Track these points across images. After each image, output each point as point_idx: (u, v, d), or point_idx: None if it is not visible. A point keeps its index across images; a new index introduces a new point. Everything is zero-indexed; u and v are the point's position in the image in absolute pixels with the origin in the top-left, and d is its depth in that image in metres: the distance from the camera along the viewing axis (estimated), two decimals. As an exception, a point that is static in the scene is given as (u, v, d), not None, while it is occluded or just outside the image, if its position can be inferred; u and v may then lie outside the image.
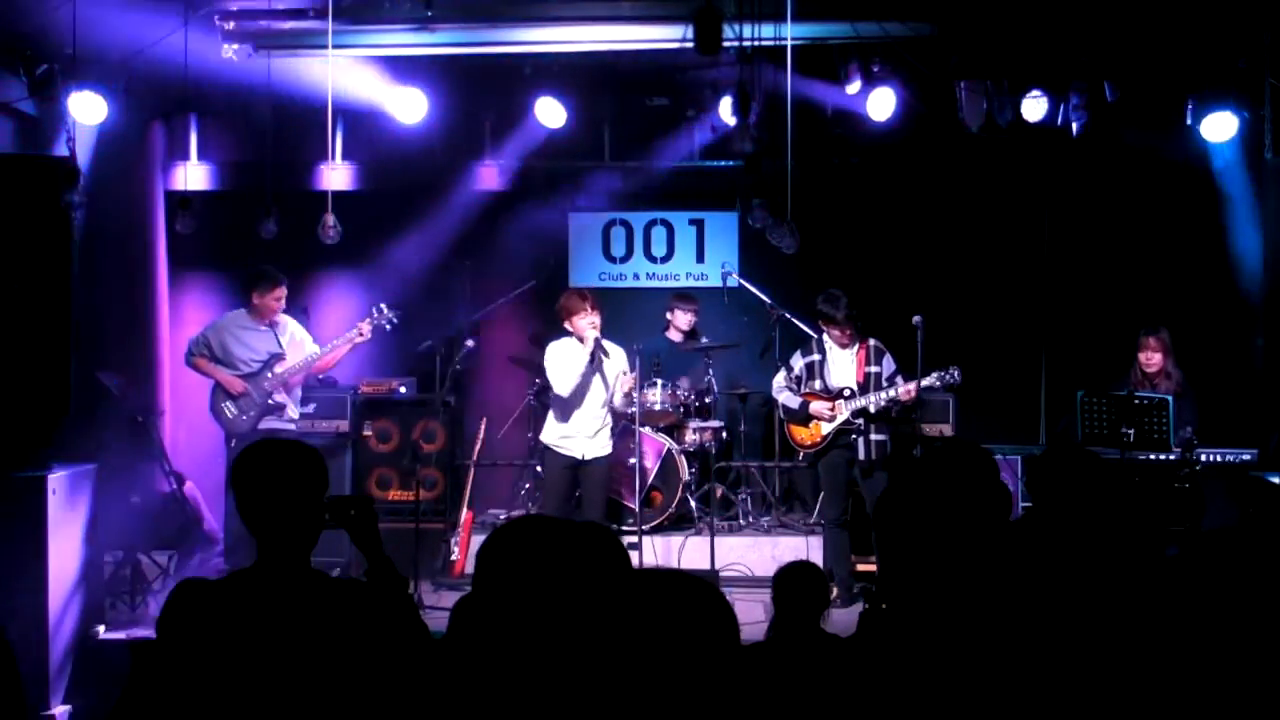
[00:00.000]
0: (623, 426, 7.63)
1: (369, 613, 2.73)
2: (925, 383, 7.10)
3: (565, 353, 7.19)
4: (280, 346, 7.51)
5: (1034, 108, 7.85)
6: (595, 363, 7.11)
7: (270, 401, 7.41)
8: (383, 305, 7.66)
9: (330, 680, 2.61)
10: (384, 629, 2.72)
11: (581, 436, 7.24)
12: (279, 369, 7.46)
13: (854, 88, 7.88)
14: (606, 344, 7.19)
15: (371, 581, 2.94)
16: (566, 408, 7.21)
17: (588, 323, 7.07)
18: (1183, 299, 8.55)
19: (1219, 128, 7.64)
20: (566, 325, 7.18)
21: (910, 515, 2.58)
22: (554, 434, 7.29)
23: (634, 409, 7.34)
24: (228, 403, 7.41)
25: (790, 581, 4.00)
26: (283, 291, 7.49)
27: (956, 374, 7.07)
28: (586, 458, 7.25)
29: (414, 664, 2.69)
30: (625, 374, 7.27)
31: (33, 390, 6.35)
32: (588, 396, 7.21)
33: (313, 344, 7.64)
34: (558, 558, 2.62)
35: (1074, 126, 7.74)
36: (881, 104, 7.87)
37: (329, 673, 2.62)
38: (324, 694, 2.60)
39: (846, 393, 7.28)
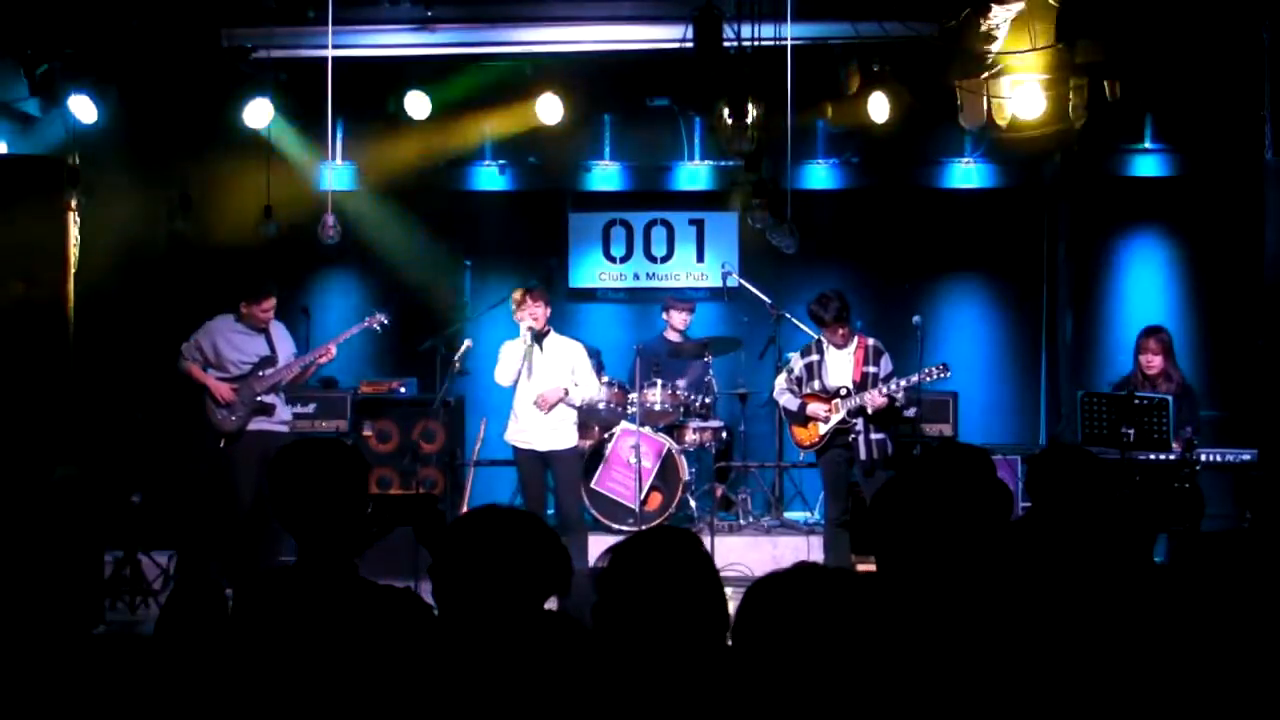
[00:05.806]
0: (623, 427, 7.63)
1: (411, 621, 2.65)
2: (912, 381, 7.12)
3: (510, 348, 7.26)
4: (271, 349, 7.51)
5: (1029, 106, 7.83)
6: (527, 354, 7.13)
7: (258, 402, 7.39)
8: (375, 311, 7.73)
9: (359, 685, 2.54)
10: (426, 640, 2.63)
11: (534, 429, 7.20)
12: (269, 371, 7.45)
13: (854, 87, 7.88)
14: (562, 339, 7.27)
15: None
16: (511, 399, 7.24)
17: (523, 314, 7.14)
18: (1183, 299, 8.55)
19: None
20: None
21: (903, 514, 2.58)
22: (511, 429, 7.30)
23: (633, 409, 7.32)
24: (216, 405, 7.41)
25: None
26: (271, 303, 7.48)
27: (934, 372, 7.08)
28: (548, 449, 7.21)
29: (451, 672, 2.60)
30: (573, 384, 7.27)
31: (33, 391, 6.36)
32: (528, 385, 7.17)
33: (290, 355, 7.63)
34: (516, 547, 2.56)
35: (1073, 125, 7.73)
36: (879, 108, 7.89)
37: (358, 678, 2.55)
38: (349, 698, 2.54)
39: (843, 392, 7.28)
